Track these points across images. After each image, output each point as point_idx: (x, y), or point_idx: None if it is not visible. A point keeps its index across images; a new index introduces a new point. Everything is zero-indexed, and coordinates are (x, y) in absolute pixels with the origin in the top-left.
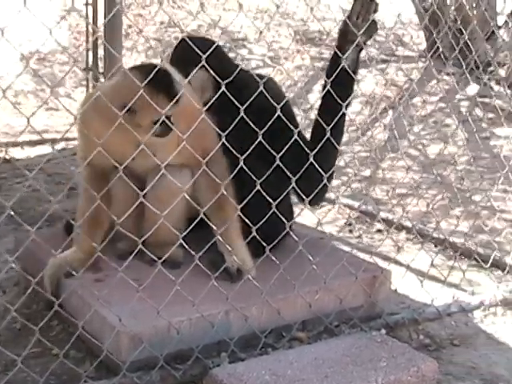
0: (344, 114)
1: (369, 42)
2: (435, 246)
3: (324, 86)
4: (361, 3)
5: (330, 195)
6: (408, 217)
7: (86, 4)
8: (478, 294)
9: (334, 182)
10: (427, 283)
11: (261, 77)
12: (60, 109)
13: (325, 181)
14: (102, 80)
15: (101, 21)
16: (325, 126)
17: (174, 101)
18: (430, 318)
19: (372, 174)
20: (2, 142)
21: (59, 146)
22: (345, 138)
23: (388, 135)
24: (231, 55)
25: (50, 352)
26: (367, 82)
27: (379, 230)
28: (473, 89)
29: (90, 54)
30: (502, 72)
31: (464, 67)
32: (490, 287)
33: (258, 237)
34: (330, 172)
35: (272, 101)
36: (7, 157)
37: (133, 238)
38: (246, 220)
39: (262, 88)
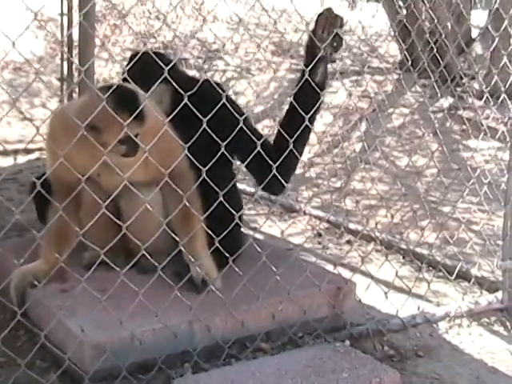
0: (307, 126)
1: (337, 56)
2: (403, 258)
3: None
4: (325, 17)
5: (300, 206)
6: (377, 228)
7: (61, 14)
8: (443, 305)
9: (305, 194)
10: (393, 294)
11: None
12: (35, 119)
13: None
14: (77, 90)
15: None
16: (287, 136)
17: (141, 119)
18: (395, 329)
19: (343, 186)
20: None
21: (33, 155)
22: (318, 149)
23: (360, 146)
24: (205, 66)
25: (14, 362)
26: (341, 94)
27: (348, 242)
28: (447, 101)
29: (65, 64)
30: (476, 85)
31: (432, 79)
32: (456, 298)
33: (221, 248)
34: (288, 175)
35: (233, 111)
36: None
37: (96, 248)
38: (209, 231)
39: (224, 100)
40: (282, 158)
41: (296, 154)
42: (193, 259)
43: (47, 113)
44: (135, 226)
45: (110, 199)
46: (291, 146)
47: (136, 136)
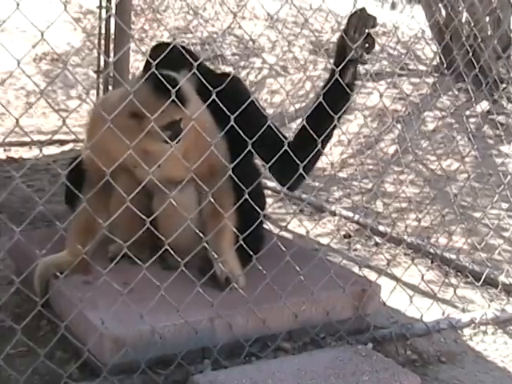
0: (332, 127)
1: (369, 57)
2: (431, 262)
3: (317, 97)
4: (357, 17)
5: (331, 207)
6: (406, 231)
7: (100, 7)
8: (469, 311)
9: (336, 194)
10: (419, 299)
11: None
12: (70, 110)
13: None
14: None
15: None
16: (313, 134)
17: (183, 103)
18: (419, 333)
19: (374, 187)
20: (11, 142)
21: (67, 147)
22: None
23: (394, 149)
24: (242, 63)
25: (35, 352)
26: (376, 95)
27: (377, 244)
28: (483, 105)
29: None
30: None
31: (467, 82)
32: (482, 305)
33: (244, 245)
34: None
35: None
36: (16, 156)
37: (119, 242)
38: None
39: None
40: (304, 156)
41: (316, 153)
42: (216, 256)
43: (84, 105)
44: (168, 222)
45: (134, 192)
46: (318, 146)
47: (179, 121)
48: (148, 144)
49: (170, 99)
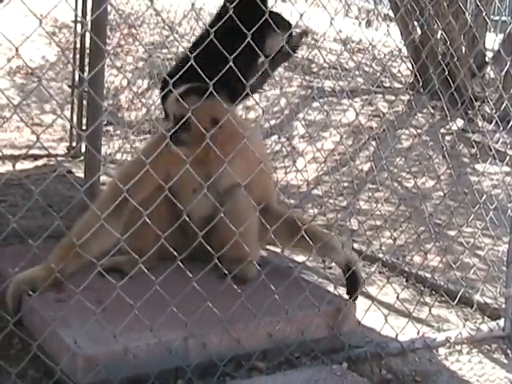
0: None
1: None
2: (406, 281)
3: None
4: None
5: None
6: (381, 249)
7: (75, 21)
8: (444, 330)
9: (311, 212)
10: (394, 318)
11: None
12: (44, 125)
13: None
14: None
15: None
16: None
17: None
18: (394, 353)
19: (349, 205)
20: None
21: (41, 162)
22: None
23: (368, 166)
24: None
25: (6, 371)
26: (351, 112)
27: None
28: (459, 124)
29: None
30: (488, 108)
31: (443, 101)
32: (457, 324)
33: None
34: None
35: None
36: None
37: (135, 256)
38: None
39: None
40: None
41: None
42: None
43: (58, 119)
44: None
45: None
46: None
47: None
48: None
49: None
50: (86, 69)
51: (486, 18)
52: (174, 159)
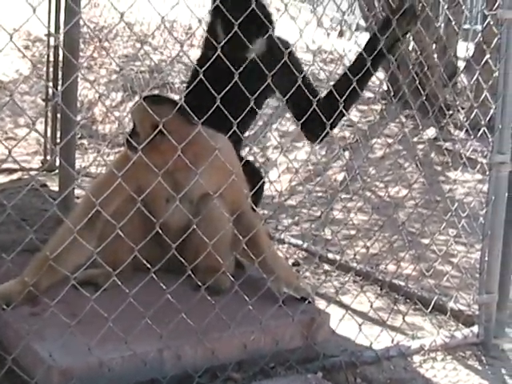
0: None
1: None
2: (380, 289)
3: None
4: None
5: (280, 235)
6: (355, 258)
7: (48, 35)
8: (418, 338)
9: (285, 222)
10: (368, 326)
11: None
12: (18, 139)
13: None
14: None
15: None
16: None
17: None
18: (369, 361)
19: (323, 215)
20: None
21: (15, 175)
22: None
23: (342, 176)
24: None
25: None
26: None
27: (326, 272)
28: (431, 132)
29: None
30: (461, 116)
31: (414, 110)
32: (431, 332)
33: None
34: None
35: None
36: None
37: (108, 269)
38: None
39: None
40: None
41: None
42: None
43: (32, 133)
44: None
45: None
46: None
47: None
48: None
49: None
50: (60, 82)
51: (456, 28)
52: (144, 170)
